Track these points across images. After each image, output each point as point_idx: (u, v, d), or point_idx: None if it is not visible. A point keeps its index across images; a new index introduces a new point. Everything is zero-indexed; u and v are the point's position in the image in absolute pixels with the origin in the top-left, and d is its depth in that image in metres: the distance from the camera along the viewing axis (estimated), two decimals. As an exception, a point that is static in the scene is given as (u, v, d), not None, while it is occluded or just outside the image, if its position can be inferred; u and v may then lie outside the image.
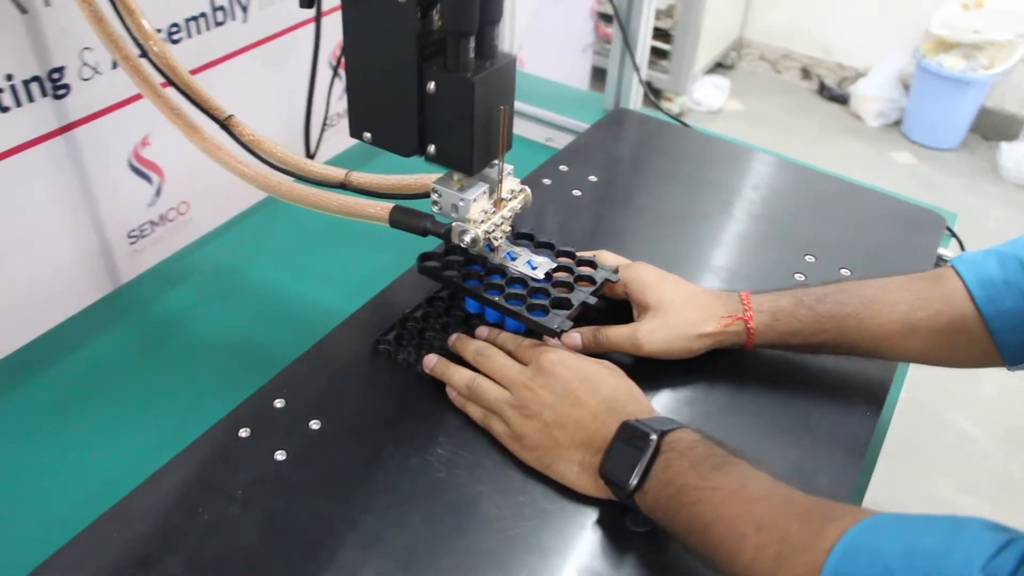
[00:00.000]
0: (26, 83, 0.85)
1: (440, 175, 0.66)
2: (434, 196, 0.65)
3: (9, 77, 0.84)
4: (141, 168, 1.02)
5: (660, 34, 2.64)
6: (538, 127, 1.15)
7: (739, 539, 0.48)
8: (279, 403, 0.65)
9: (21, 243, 0.90)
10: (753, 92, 3.03)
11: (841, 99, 2.98)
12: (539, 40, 1.80)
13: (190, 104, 0.74)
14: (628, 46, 1.16)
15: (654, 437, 0.55)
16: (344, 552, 0.55)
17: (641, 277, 0.70)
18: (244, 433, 0.63)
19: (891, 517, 0.44)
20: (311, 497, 0.59)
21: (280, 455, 0.61)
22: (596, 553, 0.56)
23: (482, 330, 0.69)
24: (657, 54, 2.67)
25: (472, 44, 0.58)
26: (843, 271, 0.83)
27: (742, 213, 0.89)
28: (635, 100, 1.22)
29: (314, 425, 0.64)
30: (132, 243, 1.04)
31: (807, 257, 0.84)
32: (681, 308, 0.68)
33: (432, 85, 0.59)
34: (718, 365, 0.69)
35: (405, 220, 0.66)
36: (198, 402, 0.69)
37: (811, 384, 0.70)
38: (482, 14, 0.57)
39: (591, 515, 0.58)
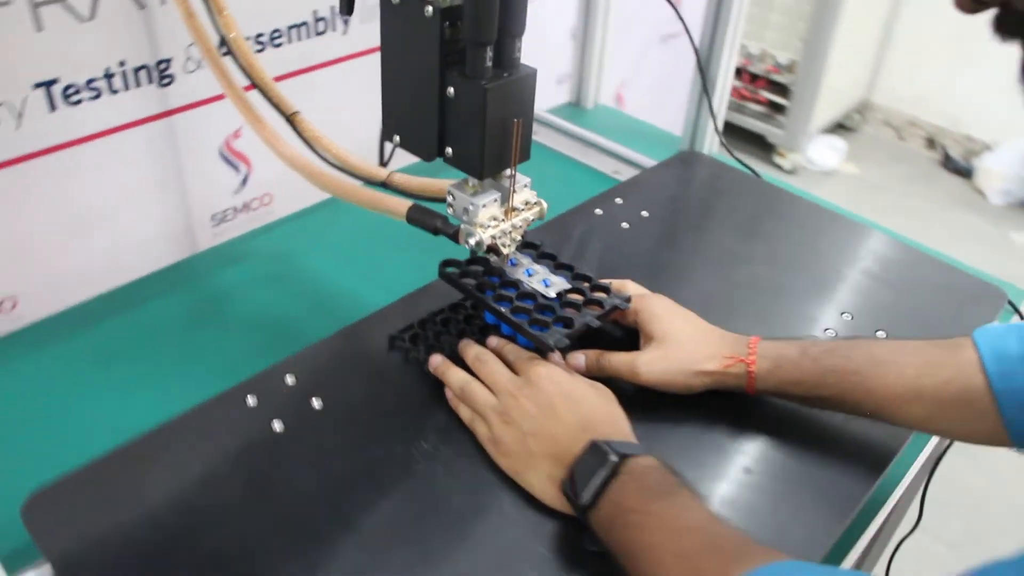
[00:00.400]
0: (136, 70, 0.94)
1: (460, 180, 0.69)
2: (449, 199, 0.68)
3: (122, 63, 0.93)
4: (231, 157, 1.10)
5: (779, 88, 2.60)
6: (607, 159, 1.16)
7: (658, 565, 0.48)
8: (290, 379, 0.69)
9: (115, 208, 0.99)
10: (872, 157, 2.93)
11: (965, 172, 2.84)
12: (643, 81, 1.82)
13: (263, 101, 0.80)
14: (706, 91, 1.16)
15: (614, 458, 0.55)
16: (313, 521, 0.58)
17: (651, 308, 0.70)
18: (251, 401, 0.67)
19: (796, 565, 0.43)
20: (296, 466, 0.62)
21: (278, 425, 0.65)
22: (547, 565, 0.57)
23: (492, 340, 0.70)
24: (774, 108, 2.63)
25: (490, 54, 0.61)
26: (879, 333, 0.80)
27: (786, 263, 0.88)
28: (710, 145, 1.21)
29: (316, 404, 0.67)
30: (215, 225, 1.12)
31: (844, 315, 0.82)
32: (685, 343, 0.67)
33: (451, 90, 0.62)
34: (722, 406, 0.69)
35: (420, 218, 0.70)
36: (229, 369, 0.73)
37: (815, 438, 0.68)
38: (503, 27, 0.60)
39: (550, 527, 0.59)
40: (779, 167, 2.64)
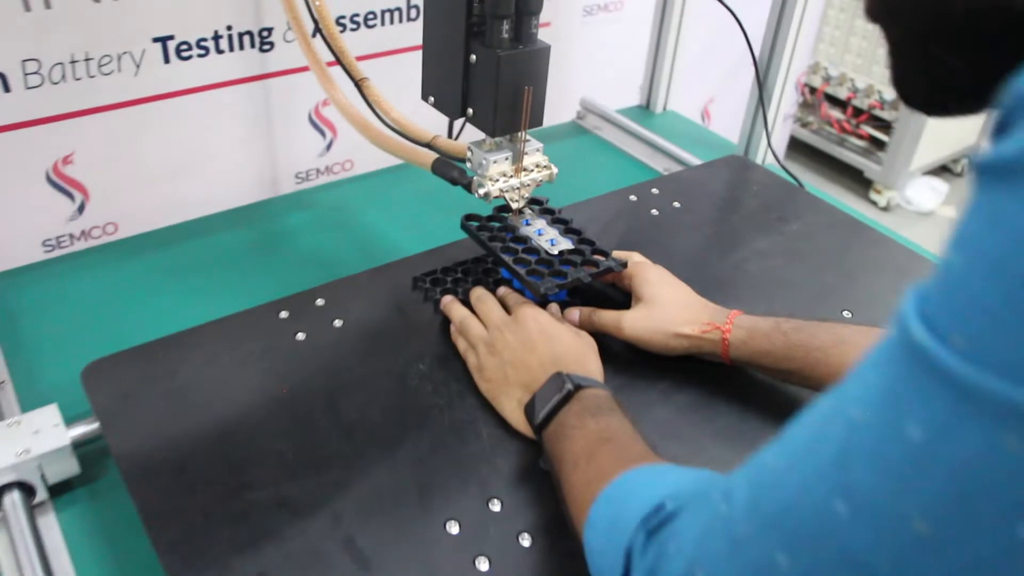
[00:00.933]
0: (240, 35, 1.07)
1: (481, 140, 0.77)
2: (468, 154, 0.76)
3: (229, 27, 1.06)
4: (318, 123, 1.22)
5: (882, 125, 2.56)
6: (662, 158, 1.22)
7: (573, 467, 0.54)
8: (320, 301, 0.79)
9: (209, 154, 1.12)
10: (978, 204, 2.82)
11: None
12: (730, 100, 1.85)
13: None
14: (763, 103, 1.19)
15: (569, 387, 0.61)
16: (312, 413, 0.67)
17: (645, 273, 0.76)
18: (284, 315, 0.77)
19: (657, 468, 0.48)
20: (309, 369, 0.71)
21: (301, 336, 0.75)
22: (500, 475, 0.64)
23: (501, 289, 0.78)
24: (875, 144, 2.60)
25: (507, 27, 0.68)
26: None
27: (802, 263, 0.91)
28: (764, 155, 1.25)
29: (337, 323, 0.77)
30: (298, 183, 1.24)
31: (844, 312, 0.85)
32: (669, 307, 0.73)
33: (473, 57, 0.70)
34: (697, 371, 0.73)
35: (441, 169, 0.78)
36: (277, 291, 0.82)
37: (780, 412, 0.72)
38: (520, 5, 0.68)
39: (512, 446, 0.66)
40: (874, 203, 2.59)
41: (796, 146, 2.72)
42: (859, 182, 2.60)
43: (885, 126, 2.54)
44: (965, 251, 0.28)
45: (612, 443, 0.54)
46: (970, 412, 0.26)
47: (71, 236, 1.08)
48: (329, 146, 1.25)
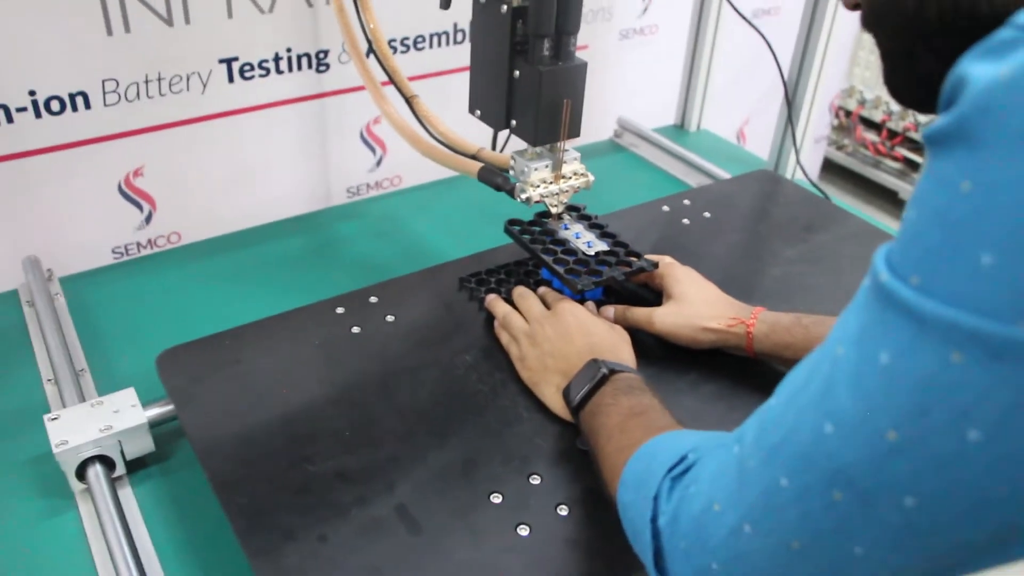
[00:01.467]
0: (299, 56, 1.15)
1: (523, 150, 0.82)
2: (511, 162, 0.82)
3: (288, 49, 1.13)
4: (369, 140, 1.29)
5: (917, 147, 2.58)
6: (696, 174, 1.26)
7: (608, 439, 0.59)
8: (373, 299, 0.85)
9: (267, 168, 1.20)
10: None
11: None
12: (767, 120, 1.89)
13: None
14: (791, 122, 1.24)
15: (604, 371, 0.66)
16: (366, 398, 0.73)
17: (675, 273, 0.81)
18: (340, 311, 0.83)
19: (682, 431, 0.53)
20: (363, 358, 0.77)
21: (356, 329, 0.81)
22: (541, 454, 0.68)
23: (541, 288, 0.83)
24: (910, 165, 2.61)
25: (548, 45, 0.74)
26: None
27: (825, 269, 0.94)
28: (793, 171, 1.29)
29: (389, 318, 0.82)
30: (349, 197, 1.31)
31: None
32: (697, 303, 0.78)
33: (517, 73, 0.76)
34: (725, 364, 0.78)
35: (487, 176, 0.83)
36: (330, 293, 0.89)
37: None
38: (560, 25, 0.74)
39: (552, 428, 0.71)
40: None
41: (832, 168, 2.74)
42: (894, 203, 2.61)
43: (920, 148, 2.55)
44: (917, 207, 0.33)
45: (643, 416, 0.59)
46: (925, 335, 0.32)
47: (138, 244, 1.16)
48: (379, 162, 1.32)
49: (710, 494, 0.42)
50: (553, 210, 0.82)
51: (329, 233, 1.11)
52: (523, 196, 0.79)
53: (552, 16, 0.72)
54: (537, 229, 0.86)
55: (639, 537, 0.48)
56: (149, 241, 1.17)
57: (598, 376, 0.66)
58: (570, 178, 0.81)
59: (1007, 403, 0.30)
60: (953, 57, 0.33)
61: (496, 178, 0.82)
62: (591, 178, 0.82)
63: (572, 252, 0.82)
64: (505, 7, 0.74)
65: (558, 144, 0.79)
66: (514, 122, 0.79)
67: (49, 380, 0.83)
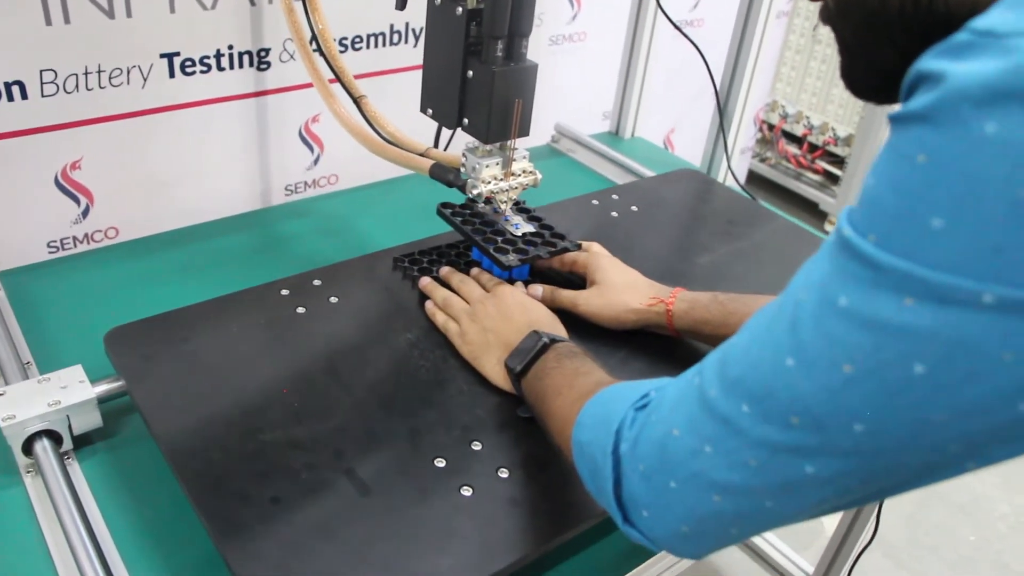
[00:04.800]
0: (240, 54, 1.18)
1: (474, 147, 0.87)
2: (462, 159, 0.87)
3: (230, 47, 1.16)
4: (307, 139, 1.32)
5: (836, 160, 2.73)
6: (628, 176, 1.33)
7: (556, 395, 0.64)
8: (317, 282, 0.88)
9: (208, 164, 1.22)
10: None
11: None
12: (690, 130, 1.99)
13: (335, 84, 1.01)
14: (723, 129, 1.32)
15: (545, 340, 0.71)
16: (312, 373, 0.77)
17: (598, 260, 0.87)
18: (284, 292, 0.86)
19: (639, 380, 0.58)
20: (309, 337, 0.81)
21: (301, 310, 0.84)
22: (483, 423, 0.73)
23: (475, 270, 0.89)
24: (830, 178, 2.76)
25: (500, 47, 0.79)
26: None
27: (746, 260, 1.02)
28: (724, 177, 1.37)
29: (333, 300, 0.86)
30: (287, 195, 1.34)
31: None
32: (618, 287, 0.84)
33: (470, 73, 0.81)
34: (647, 343, 0.84)
35: (439, 172, 0.88)
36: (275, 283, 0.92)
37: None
38: (513, 27, 0.79)
39: (493, 400, 0.76)
40: (827, 233, 2.74)
41: (755, 180, 2.87)
42: (815, 214, 2.75)
43: (839, 161, 2.70)
44: (876, 176, 0.39)
45: (590, 375, 0.64)
46: (881, 282, 0.37)
47: (74, 239, 1.16)
48: (316, 160, 1.35)
49: (670, 420, 0.47)
50: (502, 207, 0.88)
51: (273, 231, 1.14)
52: (474, 191, 0.84)
53: (506, 18, 0.78)
54: (468, 212, 0.91)
55: (597, 471, 0.52)
56: (86, 236, 1.17)
57: (540, 344, 0.71)
58: (519, 175, 0.87)
59: (949, 341, 0.35)
60: (909, 52, 0.38)
61: (448, 174, 0.87)
62: (539, 176, 0.88)
63: (500, 233, 0.88)
64: (460, 9, 0.78)
65: (508, 142, 0.84)
66: (466, 120, 0.84)
67: (-6, 375, 0.83)
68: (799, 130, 2.76)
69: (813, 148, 2.75)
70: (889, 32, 0.45)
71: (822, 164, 2.74)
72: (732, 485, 0.44)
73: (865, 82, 0.49)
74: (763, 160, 2.89)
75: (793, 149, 2.80)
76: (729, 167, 1.35)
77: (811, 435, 0.40)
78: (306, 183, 1.36)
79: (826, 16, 0.49)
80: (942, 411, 0.37)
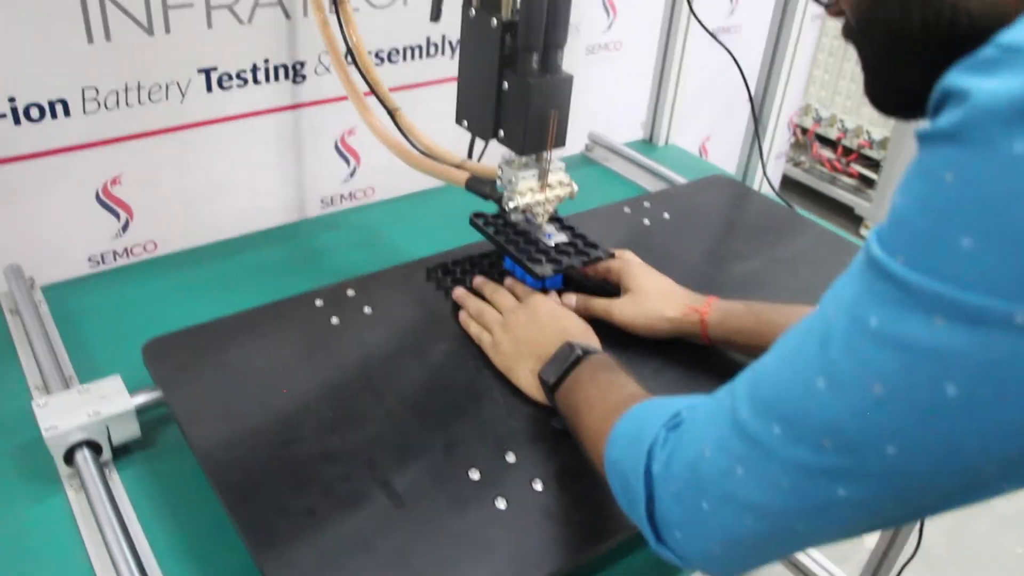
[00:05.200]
0: (276, 67, 1.19)
1: (511, 160, 0.86)
2: (499, 171, 0.87)
3: (266, 60, 1.17)
4: (343, 151, 1.33)
5: (871, 163, 2.69)
6: (662, 183, 1.32)
7: (588, 409, 0.63)
8: (351, 292, 0.89)
9: (244, 179, 1.23)
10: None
11: None
12: (727, 136, 1.97)
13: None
14: (758, 136, 1.30)
15: (579, 352, 0.71)
16: (347, 385, 0.77)
17: (631, 268, 0.87)
18: (319, 303, 0.87)
19: (671, 397, 0.57)
20: (344, 348, 0.81)
21: (335, 320, 0.85)
22: (519, 436, 0.73)
23: (508, 280, 0.88)
24: (865, 182, 2.71)
25: (536, 58, 0.79)
26: None
27: (781, 267, 1.00)
28: (759, 184, 1.35)
29: (366, 310, 0.86)
30: (323, 208, 1.35)
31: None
32: (652, 294, 0.83)
33: (506, 85, 0.81)
34: (683, 352, 0.83)
35: (475, 185, 0.88)
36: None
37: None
38: (548, 39, 0.79)
39: (527, 410, 0.75)
40: (863, 238, 2.70)
41: (789, 184, 2.84)
42: (850, 219, 2.71)
43: (874, 164, 2.66)
44: (905, 194, 0.38)
45: (623, 388, 0.64)
46: (912, 302, 0.36)
47: (115, 253, 1.18)
48: (353, 173, 1.36)
49: (702, 440, 0.46)
50: (539, 219, 0.87)
51: (308, 244, 1.14)
52: (511, 204, 0.84)
53: (541, 30, 0.77)
54: (501, 221, 0.91)
55: (630, 489, 0.51)
56: (125, 250, 1.19)
57: (573, 356, 0.71)
58: (555, 187, 0.86)
59: (981, 362, 0.34)
60: (934, 68, 0.38)
61: (484, 187, 0.87)
62: (575, 187, 0.87)
63: (533, 242, 0.88)
64: (495, 21, 0.78)
65: (544, 154, 0.83)
66: (501, 132, 0.83)
67: (37, 387, 0.84)
68: (833, 134, 2.72)
69: (848, 152, 2.71)
70: (913, 48, 0.44)
71: (857, 168, 2.70)
72: (764, 507, 0.43)
73: (890, 99, 0.49)
74: (797, 164, 2.85)
75: (827, 153, 2.76)
76: (764, 173, 1.33)
77: (843, 457, 0.39)
78: (342, 195, 1.37)
79: (848, 33, 0.48)
80: (975, 432, 0.36)
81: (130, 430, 0.75)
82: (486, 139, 0.87)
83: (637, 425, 0.54)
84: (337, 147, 1.32)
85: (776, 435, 0.42)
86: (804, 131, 2.79)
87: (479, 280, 0.89)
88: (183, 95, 1.12)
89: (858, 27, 0.47)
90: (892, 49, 0.45)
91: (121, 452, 0.76)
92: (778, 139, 1.37)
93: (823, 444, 0.40)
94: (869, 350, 0.38)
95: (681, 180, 1.30)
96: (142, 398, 0.76)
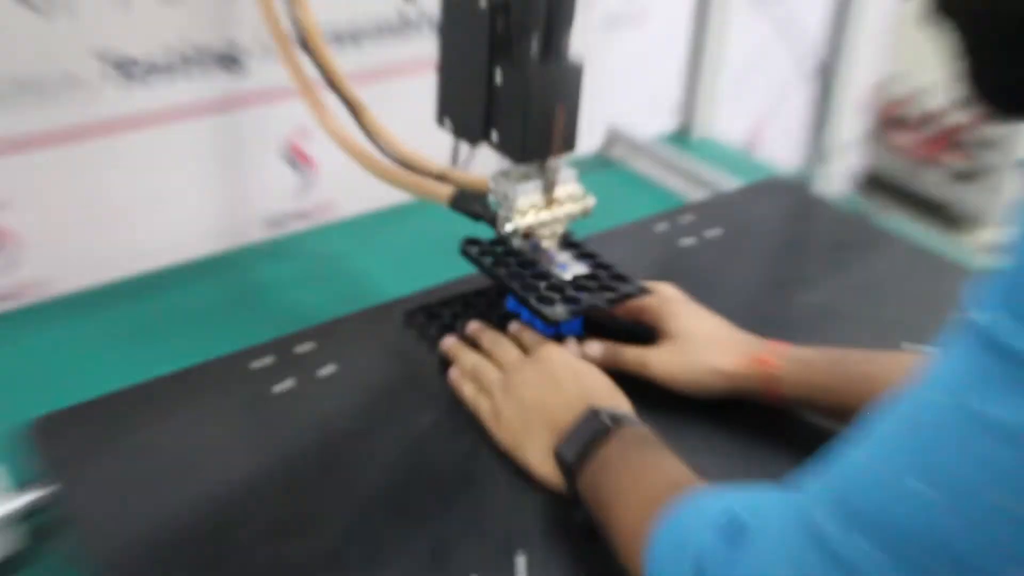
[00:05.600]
0: (205, 56, 1.17)
1: (506, 170, 0.84)
2: (491, 184, 0.84)
3: (193, 47, 1.15)
4: (294, 159, 1.31)
5: (968, 148, 2.67)
6: (699, 188, 1.30)
7: (617, 497, 0.61)
8: (304, 347, 0.87)
9: (166, 193, 1.20)
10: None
11: None
12: (783, 126, 1.95)
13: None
14: (823, 122, 1.28)
15: (608, 422, 0.68)
16: (304, 472, 0.74)
17: (671, 307, 0.84)
18: (262, 363, 0.84)
19: (718, 488, 0.56)
20: (294, 421, 0.78)
21: (284, 386, 0.82)
22: (530, 532, 0.70)
23: (513, 325, 0.85)
24: (960, 173, 2.69)
25: (536, 42, 0.77)
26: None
27: (862, 298, 0.98)
28: (832, 184, 1.33)
29: (326, 371, 0.84)
30: (268, 230, 1.32)
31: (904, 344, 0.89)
32: (700, 339, 0.80)
33: (499, 77, 0.79)
34: (746, 417, 0.80)
35: (462, 203, 0.85)
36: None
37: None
38: (550, 18, 0.77)
39: (540, 503, 0.72)
40: (968, 244, 2.68)
41: (867, 182, 2.81)
42: (944, 219, 2.68)
43: (973, 149, 2.64)
44: (1018, 255, 0.37)
45: (665, 472, 0.61)
46: None
47: (-1, 295, 1.15)
48: (307, 185, 1.33)
49: (775, 563, 0.45)
50: (545, 243, 0.85)
51: (248, 279, 1.12)
52: (509, 227, 0.81)
53: (542, 6, 0.75)
54: (501, 249, 0.88)
55: None
56: (10, 292, 1.16)
57: (600, 426, 0.68)
58: (565, 203, 0.84)
59: None
60: None
61: (474, 205, 0.84)
62: (590, 202, 0.85)
63: (544, 276, 0.85)
64: (484, 0, 0.76)
65: (550, 161, 0.81)
66: (494, 134, 0.81)
67: None
68: (921, 114, 2.70)
69: (940, 136, 2.69)
70: (1005, 36, 0.43)
71: (951, 155, 2.68)
72: None
73: (987, 95, 0.46)
74: (876, 155, 2.83)
75: (913, 138, 2.74)
76: (834, 172, 1.31)
77: None
78: (293, 214, 1.34)
79: (930, 13, 0.47)
80: None
81: (9, 542, 0.72)
82: (474, 143, 0.85)
83: (683, 526, 0.53)
84: (286, 153, 1.30)
85: (875, 560, 0.40)
86: (883, 113, 2.77)
87: (474, 326, 0.86)
88: (85, 92, 1.10)
89: (938, 6, 0.46)
90: (981, 36, 0.44)
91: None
92: (850, 125, 1.35)
93: (935, 570, 0.38)
94: (988, 448, 0.37)
95: (729, 184, 1.28)
96: (27, 497, 0.73)
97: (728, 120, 1.58)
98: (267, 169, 1.29)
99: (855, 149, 2.30)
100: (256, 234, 1.30)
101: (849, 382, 0.74)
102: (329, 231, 1.26)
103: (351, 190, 1.33)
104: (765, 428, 0.79)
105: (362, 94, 0.97)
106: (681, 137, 1.52)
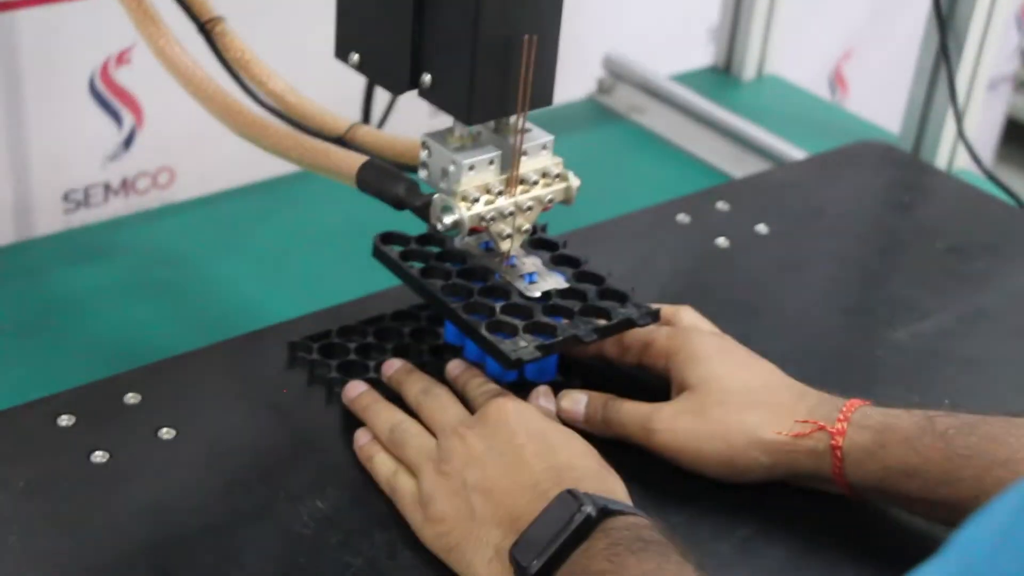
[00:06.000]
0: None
1: (446, 130, 0.88)
2: (423, 154, 0.88)
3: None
4: (107, 97, 1.34)
5: None
6: (754, 160, 1.36)
7: None
8: (131, 398, 0.90)
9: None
10: None
11: None
12: (882, 59, 1.99)
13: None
14: (946, 57, 1.30)
15: (590, 510, 0.72)
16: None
17: (692, 346, 0.88)
18: (65, 422, 0.88)
19: None
20: (120, 511, 0.83)
21: (99, 456, 0.86)
22: None
23: (454, 366, 0.90)
24: None
25: None
26: None
27: (993, 331, 1.04)
28: (948, 158, 1.36)
29: (165, 433, 0.88)
30: (69, 211, 1.36)
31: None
32: (734, 395, 0.85)
33: None
34: (799, 507, 0.85)
35: (376, 182, 0.89)
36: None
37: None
38: None
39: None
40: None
41: (1018, 136, 2.86)
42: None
43: None
44: None
45: None
46: None
47: None
48: (128, 141, 1.36)
49: None
50: (503, 245, 0.88)
51: (39, 287, 1.16)
52: (447, 220, 0.85)
53: None
54: (435, 250, 0.93)
55: None
56: None
57: (578, 519, 0.72)
58: (535, 183, 0.88)
59: None
60: None
61: (394, 186, 0.88)
62: (574, 183, 0.89)
63: (501, 293, 0.90)
64: None
65: (512, 120, 0.85)
66: (427, 77, 0.85)
67: None
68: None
69: None
70: None
71: None
72: None
73: None
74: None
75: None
76: (961, 134, 1.34)
77: None
78: (107, 186, 1.37)
79: None
80: None
81: None
82: (397, 91, 0.89)
83: None
84: (94, 89, 1.32)
85: None
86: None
87: (394, 368, 0.90)
88: None
89: None
90: None
91: None
92: (987, 59, 1.36)
93: None
94: None
95: (796, 152, 1.33)
96: None
97: (795, 55, 1.60)
98: (66, 115, 1.31)
99: (999, 94, 2.36)
100: (50, 221, 1.33)
101: (945, 461, 0.79)
102: (169, 215, 1.29)
103: (199, 154, 1.36)
104: (827, 526, 0.84)
105: (221, 3, 1.01)
106: (723, 75, 1.56)
